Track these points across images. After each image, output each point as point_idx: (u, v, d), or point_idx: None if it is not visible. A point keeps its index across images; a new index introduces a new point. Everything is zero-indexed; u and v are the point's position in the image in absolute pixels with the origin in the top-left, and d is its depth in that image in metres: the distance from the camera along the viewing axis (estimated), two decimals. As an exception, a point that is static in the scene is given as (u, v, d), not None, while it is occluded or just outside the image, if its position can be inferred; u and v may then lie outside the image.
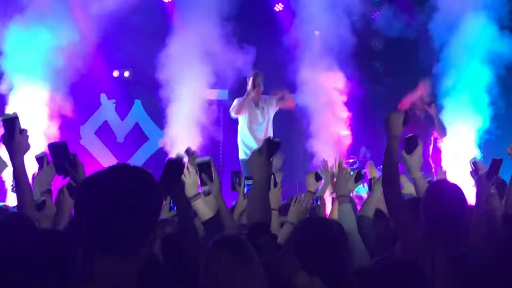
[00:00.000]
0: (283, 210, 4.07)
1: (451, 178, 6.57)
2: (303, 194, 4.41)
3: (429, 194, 3.35)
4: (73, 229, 3.00)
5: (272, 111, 8.38)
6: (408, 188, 4.64)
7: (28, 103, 7.72)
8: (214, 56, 8.18)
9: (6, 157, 3.57)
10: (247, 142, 8.24)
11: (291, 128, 9.22)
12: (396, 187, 3.35)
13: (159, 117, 9.02)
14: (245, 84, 8.29)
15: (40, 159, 4.09)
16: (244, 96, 8.17)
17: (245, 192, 4.41)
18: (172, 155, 7.96)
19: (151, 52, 8.36)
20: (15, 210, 4.16)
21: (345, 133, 8.80)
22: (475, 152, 7.80)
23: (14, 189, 3.88)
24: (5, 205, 6.27)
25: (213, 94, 9.56)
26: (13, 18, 7.66)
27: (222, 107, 9.68)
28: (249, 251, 2.68)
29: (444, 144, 8.11)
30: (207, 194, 3.75)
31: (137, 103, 10.35)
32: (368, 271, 2.96)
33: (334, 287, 2.96)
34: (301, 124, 8.61)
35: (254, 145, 7.78)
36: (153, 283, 2.66)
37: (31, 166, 3.74)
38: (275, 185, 3.93)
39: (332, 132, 8.37)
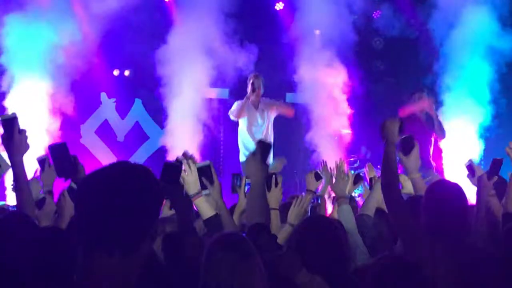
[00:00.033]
0: (284, 209, 4.07)
1: (452, 176, 6.58)
2: (303, 195, 4.42)
3: (430, 193, 3.36)
4: (74, 227, 3.00)
5: (272, 114, 8.37)
6: (408, 188, 4.65)
7: (28, 102, 7.72)
8: (215, 55, 8.17)
9: (6, 158, 3.58)
10: (247, 145, 8.22)
11: (292, 127, 9.21)
12: (396, 191, 3.40)
13: (159, 116, 9.03)
14: (246, 82, 8.28)
15: (41, 161, 4.10)
16: (243, 100, 8.16)
17: (245, 191, 4.43)
18: (172, 154, 8.00)
19: (152, 51, 8.36)
20: (15, 209, 4.16)
21: (346, 131, 8.81)
22: (474, 151, 7.79)
23: (14, 188, 3.89)
24: (5, 204, 6.28)
25: (214, 93, 9.55)
26: (14, 14, 7.65)
27: (223, 106, 9.68)
28: (250, 249, 2.68)
29: (445, 143, 8.12)
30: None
31: (138, 102, 10.35)
32: (368, 269, 2.96)
33: (335, 285, 2.96)
34: (301, 123, 8.61)
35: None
36: (154, 282, 2.66)
37: (31, 166, 3.75)
38: (276, 185, 3.94)
39: (332, 130, 8.37)
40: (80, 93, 8.65)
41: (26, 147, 3.42)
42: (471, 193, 3.94)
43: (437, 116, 8.07)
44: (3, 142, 3.41)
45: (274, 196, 3.87)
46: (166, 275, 2.86)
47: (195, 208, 3.62)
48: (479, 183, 4.13)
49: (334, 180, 4.67)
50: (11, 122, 3.39)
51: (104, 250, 1.73)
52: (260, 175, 3.57)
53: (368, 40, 9.90)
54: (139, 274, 1.78)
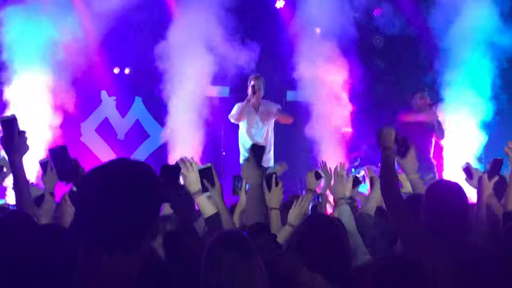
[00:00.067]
0: (284, 209, 4.07)
1: (452, 175, 6.57)
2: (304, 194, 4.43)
3: (430, 192, 3.37)
4: (74, 225, 3.00)
5: (272, 118, 8.36)
6: (407, 187, 4.66)
7: (28, 99, 7.71)
8: (216, 53, 8.16)
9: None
10: (247, 147, 8.21)
11: (292, 125, 9.20)
12: (395, 191, 3.46)
13: (160, 114, 9.01)
14: (246, 80, 8.28)
15: (44, 164, 4.11)
16: (244, 102, 8.15)
17: (246, 190, 4.44)
18: (173, 152, 8.00)
19: (152, 49, 8.35)
20: (15, 208, 4.17)
21: (347, 129, 8.80)
22: (475, 148, 7.78)
23: (14, 187, 3.91)
24: (5, 203, 6.28)
25: (214, 91, 9.54)
26: (14, 8, 7.63)
27: (223, 104, 9.67)
28: (250, 248, 2.68)
29: (446, 141, 8.12)
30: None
31: (138, 100, 10.34)
32: (368, 269, 2.96)
33: (336, 284, 2.96)
34: (302, 121, 8.60)
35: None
36: (154, 280, 2.66)
37: (30, 167, 3.76)
38: (277, 185, 3.95)
39: (333, 129, 8.37)
40: (80, 91, 8.64)
41: (26, 148, 3.44)
42: (470, 193, 3.95)
43: (437, 118, 8.09)
44: (2, 143, 3.42)
45: (275, 196, 3.88)
46: (166, 273, 2.85)
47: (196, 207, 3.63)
48: (479, 183, 4.15)
49: (332, 182, 4.69)
50: (10, 124, 3.40)
51: (104, 248, 1.72)
52: (256, 178, 3.62)
53: (369, 38, 9.89)
54: (140, 272, 1.78)
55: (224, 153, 9.92)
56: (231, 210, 4.19)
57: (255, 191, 3.69)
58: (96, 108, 10.14)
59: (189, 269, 2.90)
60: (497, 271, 3.08)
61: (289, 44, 8.64)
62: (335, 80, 8.38)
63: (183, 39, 8.18)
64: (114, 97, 10.20)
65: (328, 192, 5.16)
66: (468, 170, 4.64)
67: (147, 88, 9.48)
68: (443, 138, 8.11)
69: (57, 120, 7.97)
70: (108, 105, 10.20)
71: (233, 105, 8.37)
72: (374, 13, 9.46)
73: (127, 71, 9.94)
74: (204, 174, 3.59)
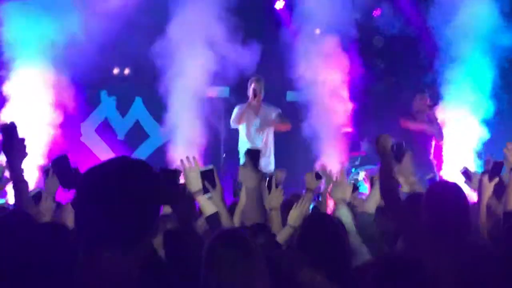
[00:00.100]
0: (285, 208, 4.07)
1: (453, 175, 6.57)
2: (304, 194, 4.44)
3: (431, 192, 3.39)
4: (75, 222, 3.00)
5: (270, 126, 8.35)
6: (406, 188, 4.67)
7: (28, 99, 7.70)
8: (216, 54, 8.16)
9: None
10: (246, 151, 8.21)
11: (292, 125, 9.19)
12: (395, 192, 3.54)
13: (159, 114, 9.01)
14: (247, 81, 8.28)
15: (46, 171, 4.16)
16: (244, 107, 8.14)
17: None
18: (173, 152, 7.99)
19: (152, 49, 8.34)
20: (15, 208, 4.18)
21: (347, 129, 8.80)
22: (475, 147, 7.78)
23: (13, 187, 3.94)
24: (6, 203, 6.28)
25: (215, 91, 9.54)
26: (15, 9, 7.63)
27: (223, 104, 9.66)
28: (251, 246, 2.68)
29: (446, 141, 8.12)
30: None
31: (138, 100, 10.34)
32: (368, 268, 2.96)
33: (337, 283, 2.96)
34: (302, 120, 8.60)
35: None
36: (154, 278, 2.66)
37: (29, 171, 3.79)
38: (277, 186, 3.96)
39: (333, 129, 8.36)
40: (80, 92, 8.63)
41: (25, 154, 3.49)
42: (470, 194, 3.97)
43: (436, 119, 8.10)
44: (2, 149, 3.47)
45: (275, 197, 3.89)
46: (167, 272, 2.85)
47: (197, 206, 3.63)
48: (480, 184, 4.17)
49: (331, 187, 4.69)
50: (10, 130, 3.45)
51: (104, 247, 1.72)
52: (253, 182, 3.65)
53: (369, 39, 9.89)
54: (140, 271, 1.77)
55: (224, 154, 9.91)
56: (231, 209, 4.19)
57: (252, 195, 3.72)
58: (96, 108, 10.14)
59: (189, 268, 2.90)
60: (497, 271, 3.08)
61: (288, 44, 8.64)
62: (335, 80, 8.38)
63: (183, 39, 8.17)
64: (114, 97, 10.20)
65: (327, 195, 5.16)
66: (466, 173, 4.70)
67: (147, 88, 9.47)
68: (442, 139, 8.13)
69: (57, 119, 7.96)
70: (108, 105, 10.20)
71: (233, 106, 8.36)
72: (374, 13, 9.47)
73: (126, 71, 9.94)
74: (206, 175, 3.60)
